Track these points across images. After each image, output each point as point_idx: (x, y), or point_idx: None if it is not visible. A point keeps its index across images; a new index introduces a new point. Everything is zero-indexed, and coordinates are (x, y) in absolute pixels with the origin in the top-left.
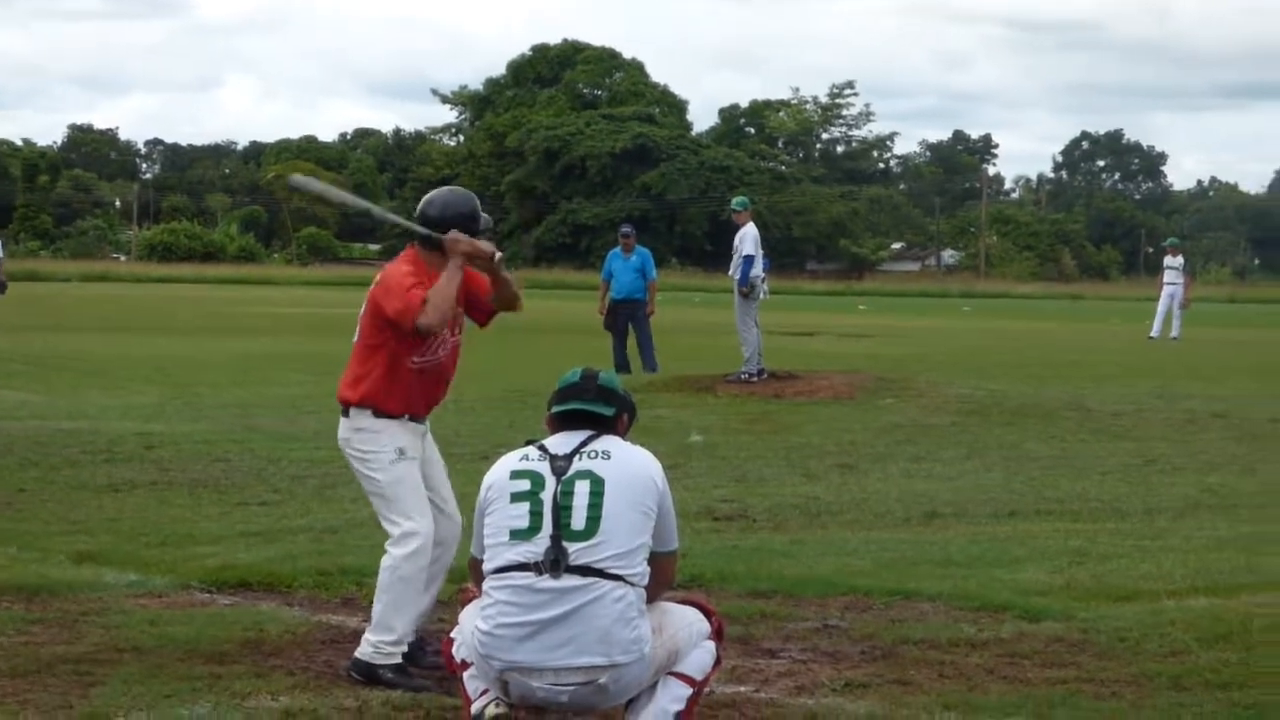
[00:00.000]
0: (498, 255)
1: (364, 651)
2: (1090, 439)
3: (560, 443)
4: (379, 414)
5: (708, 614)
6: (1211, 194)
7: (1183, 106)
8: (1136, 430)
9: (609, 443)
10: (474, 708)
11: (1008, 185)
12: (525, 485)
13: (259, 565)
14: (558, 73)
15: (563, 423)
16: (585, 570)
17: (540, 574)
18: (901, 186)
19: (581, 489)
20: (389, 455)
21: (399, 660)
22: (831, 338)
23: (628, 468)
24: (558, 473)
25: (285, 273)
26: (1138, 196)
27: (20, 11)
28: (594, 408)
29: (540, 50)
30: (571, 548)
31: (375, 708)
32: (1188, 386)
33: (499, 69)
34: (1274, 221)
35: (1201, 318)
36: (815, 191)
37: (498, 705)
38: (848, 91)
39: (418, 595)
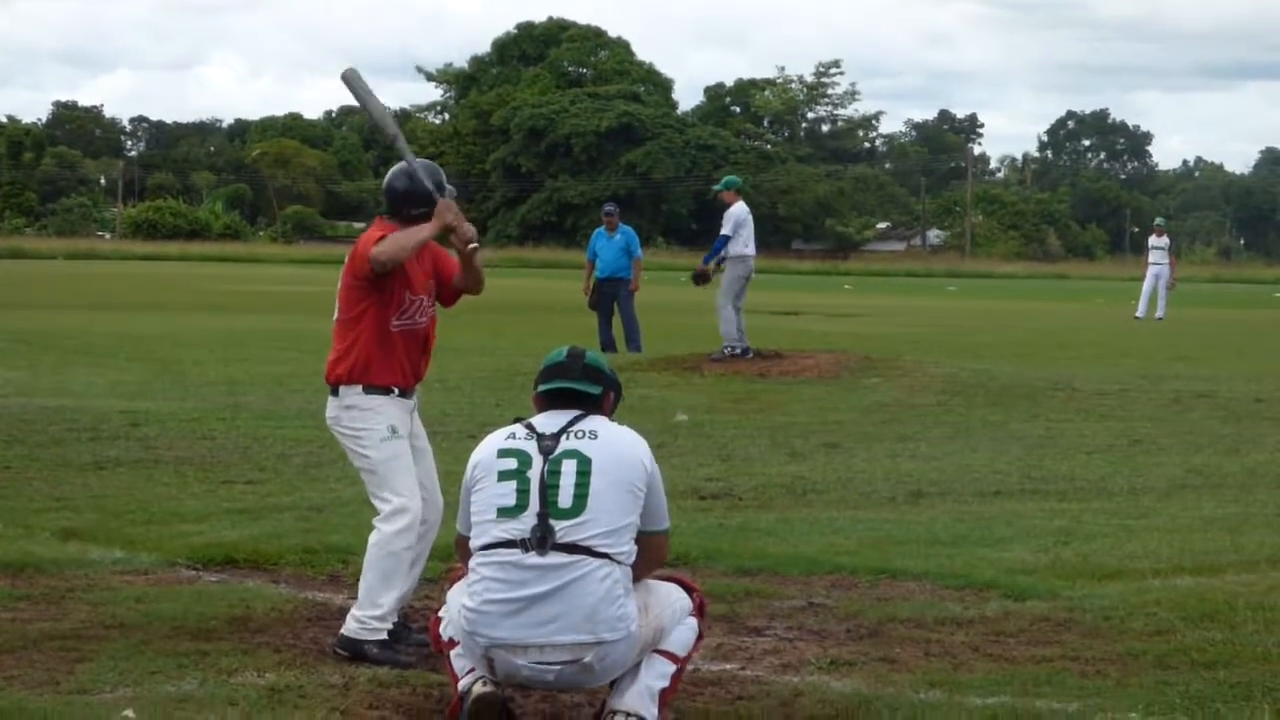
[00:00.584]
0: (473, 245)
1: (350, 628)
2: (1076, 419)
3: (547, 422)
4: (369, 389)
5: (690, 590)
6: (1197, 174)
7: (1169, 86)
8: (1122, 410)
9: (596, 423)
10: (460, 685)
11: (993, 165)
12: (512, 464)
13: (245, 543)
14: (543, 51)
15: (549, 401)
16: (572, 548)
17: (527, 551)
18: (887, 166)
19: (569, 468)
20: (381, 433)
21: (384, 636)
22: (817, 317)
23: (615, 447)
24: (545, 452)
25: (271, 250)
26: (1123, 176)
27: None
28: (580, 386)
29: (525, 28)
30: (558, 525)
31: (362, 684)
32: (1173, 367)
33: (484, 47)
34: (1259, 201)
35: (1187, 298)
36: (801, 171)
37: (484, 684)
38: (833, 70)
39: (405, 572)
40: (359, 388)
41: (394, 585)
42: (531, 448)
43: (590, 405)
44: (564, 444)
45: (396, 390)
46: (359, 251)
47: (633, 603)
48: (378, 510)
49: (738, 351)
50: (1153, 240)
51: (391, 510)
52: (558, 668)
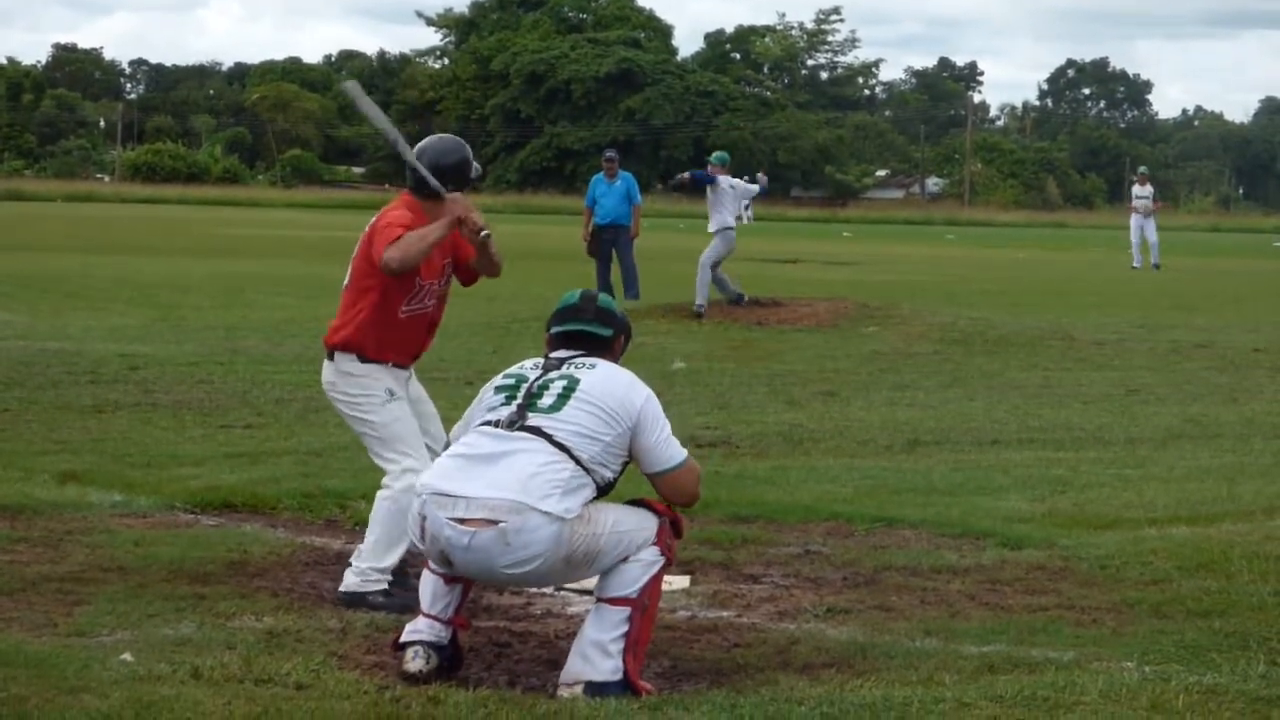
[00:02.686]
0: (485, 232)
1: (350, 583)
2: (1073, 368)
3: (558, 355)
4: (364, 359)
5: (656, 512)
6: (1196, 123)
7: (1169, 35)
8: (1119, 360)
9: (599, 361)
10: (403, 636)
11: (993, 113)
12: (510, 381)
13: (243, 487)
14: None
15: (561, 343)
16: (537, 431)
17: (497, 427)
18: (887, 113)
19: (558, 384)
20: (380, 397)
21: (385, 586)
22: (815, 265)
23: (608, 382)
24: (546, 369)
25: (269, 194)
26: (1123, 125)
27: None
28: (592, 328)
29: None
30: (532, 415)
31: (359, 629)
32: (1171, 316)
33: None
34: (1258, 150)
35: (1185, 247)
36: (800, 118)
37: (426, 660)
38: (833, 17)
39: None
40: (354, 356)
41: (399, 543)
42: (533, 371)
43: (600, 347)
44: (564, 369)
45: (392, 363)
46: (378, 232)
47: (577, 503)
48: (384, 469)
49: (702, 311)
50: (1136, 189)
51: (401, 469)
52: (473, 532)
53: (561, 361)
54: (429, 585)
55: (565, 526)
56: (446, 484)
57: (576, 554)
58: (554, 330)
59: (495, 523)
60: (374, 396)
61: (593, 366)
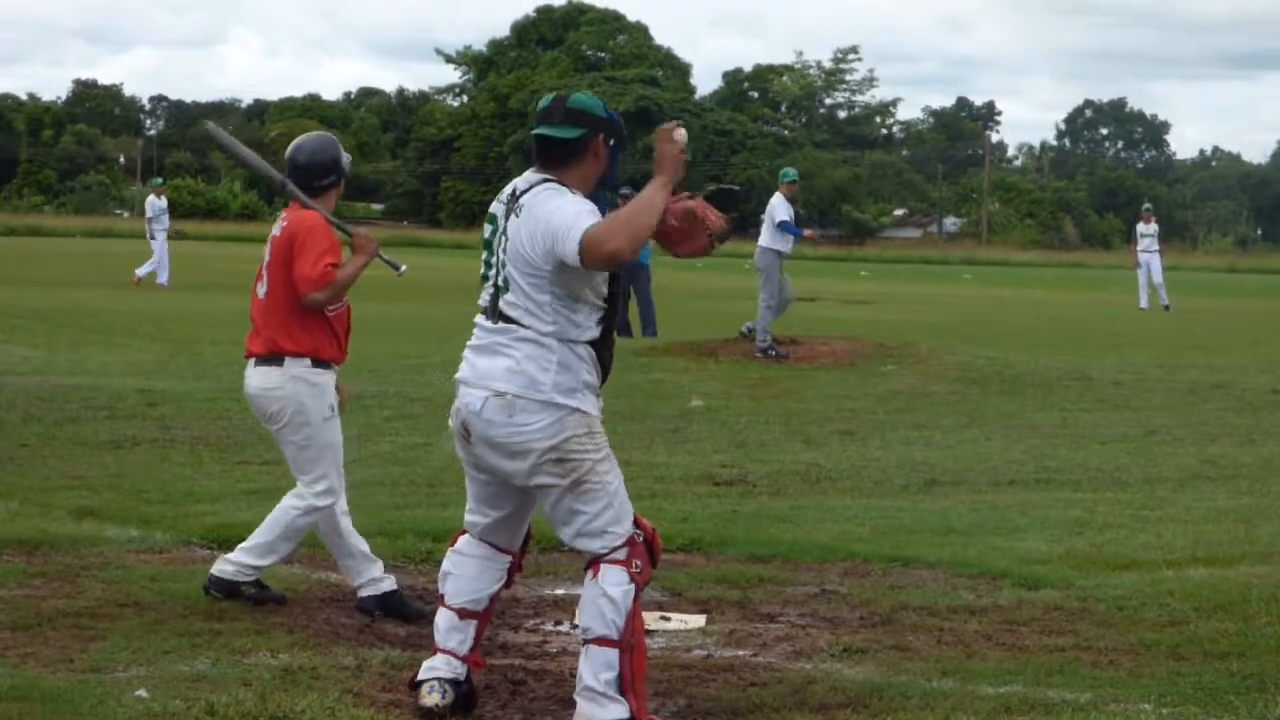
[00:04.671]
0: (379, 250)
1: (226, 570)
2: (1090, 408)
3: (525, 180)
4: (317, 363)
5: (639, 525)
6: (1214, 163)
7: (1186, 75)
8: (1137, 400)
9: (537, 195)
10: (419, 675)
11: (1010, 152)
12: (488, 232)
13: (259, 523)
14: (561, 34)
15: (537, 148)
16: (509, 320)
17: (486, 316)
18: (904, 152)
19: (504, 246)
20: (324, 412)
21: (255, 577)
22: (832, 303)
23: (531, 225)
24: (508, 214)
25: None
26: (1140, 165)
27: None
28: (556, 132)
29: (544, 11)
30: (500, 300)
31: (374, 666)
32: (1188, 356)
33: (503, 30)
34: (1276, 191)
35: (1203, 288)
36: (818, 156)
37: (443, 694)
38: (851, 56)
39: (295, 543)
40: (308, 361)
41: (280, 552)
42: (502, 211)
43: (570, 153)
44: (512, 216)
45: (334, 364)
46: (308, 259)
47: (564, 377)
48: (304, 482)
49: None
50: (1141, 227)
51: (323, 490)
52: (486, 395)
53: (517, 197)
54: (443, 620)
55: (562, 415)
56: (467, 372)
57: (569, 460)
58: (531, 134)
59: (501, 394)
60: (320, 408)
61: (522, 211)
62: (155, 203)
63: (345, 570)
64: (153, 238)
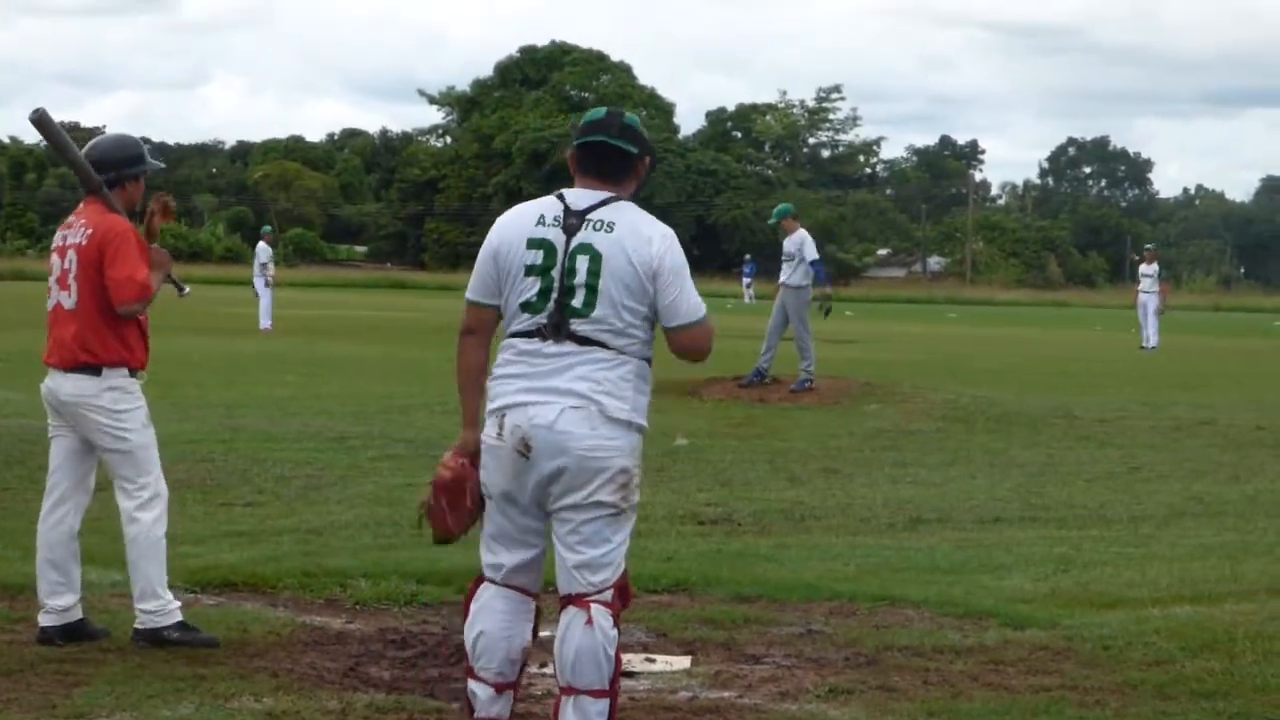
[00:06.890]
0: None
1: (144, 622)
2: (1075, 445)
3: (578, 198)
4: (133, 372)
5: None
6: (1197, 201)
7: (1169, 113)
8: (1122, 437)
9: (618, 211)
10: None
11: (994, 191)
12: (539, 257)
13: (243, 566)
14: (545, 74)
15: (584, 157)
16: (584, 340)
17: (545, 340)
18: (888, 192)
19: (582, 265)
20: (142, 418)
21: (179, 617)
22: (817, 343)
23: (628, 241)
24: (569, 231)
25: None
26: (1124, 203)
27: (5, 8)
28: (618, 143)
29: (528, 52)
30: (572, 320)
31: (359, 710)
32: (1173, 394)
33: (486, 70)
34: (1259, 229)
35: (1186, 326)
36: (801, 196)
37: None
38: (834, 95)
39: (164, 552)
40: (124, 370)
41: (164, 568)
42: (556, 235)
43: (624, 167)
44: (583, 233)
45: (143, 371)
46: (120, 270)
47: (643, 399)
48: (131, 497)
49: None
50: (1143, 268)
51: (149, 497)
52: (563, 407)
53: (582, 217)
54: (481, 692)
55: (637, 437)
56: (521, 394)
57: (632, 484)
58: (578, 142)
59: (580, 405)
60: (138, 414)
61: (611, 228)
62: (266, 249)
63: (40, 580)
64: (269, 285)
